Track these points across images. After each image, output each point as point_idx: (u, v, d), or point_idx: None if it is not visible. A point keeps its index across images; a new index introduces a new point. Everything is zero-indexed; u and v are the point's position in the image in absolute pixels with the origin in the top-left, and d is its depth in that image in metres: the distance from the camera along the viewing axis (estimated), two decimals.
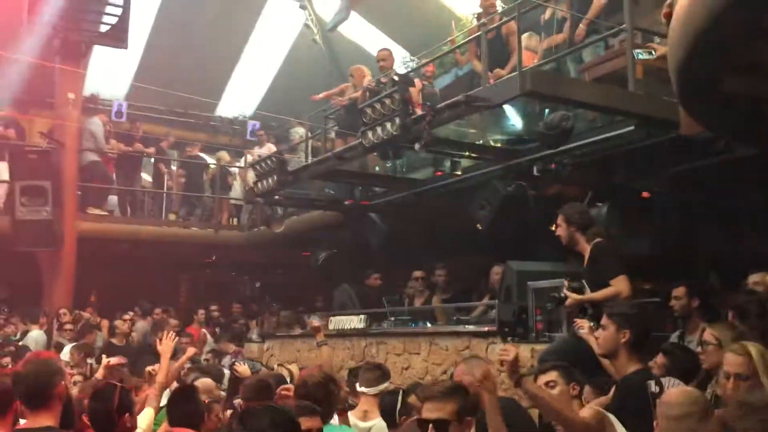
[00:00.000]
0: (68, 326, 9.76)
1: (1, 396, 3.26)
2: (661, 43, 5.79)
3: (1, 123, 11.29)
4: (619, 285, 4.67)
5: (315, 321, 6.47)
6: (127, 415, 3.30)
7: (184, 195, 13.34)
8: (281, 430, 1.94)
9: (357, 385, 4.48)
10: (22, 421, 3.19)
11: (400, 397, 4.16)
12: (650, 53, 5.65)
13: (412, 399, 4.07)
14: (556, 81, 6.30)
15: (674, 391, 2.68)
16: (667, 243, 6.87)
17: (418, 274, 8.61)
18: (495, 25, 7.53)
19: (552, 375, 3.51)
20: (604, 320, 3.58)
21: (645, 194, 7.15)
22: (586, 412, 3.12)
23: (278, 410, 2.05)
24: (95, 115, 12.08)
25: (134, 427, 3.46)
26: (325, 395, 3.73)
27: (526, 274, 6.35)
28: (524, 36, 7.11)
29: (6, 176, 11.01)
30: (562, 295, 4.83)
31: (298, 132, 12.37)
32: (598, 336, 3.81)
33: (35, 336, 9.41)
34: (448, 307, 7.99)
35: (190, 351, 5.37)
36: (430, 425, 2.72)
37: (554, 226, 5.24)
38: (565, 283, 4.86)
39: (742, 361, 2.99)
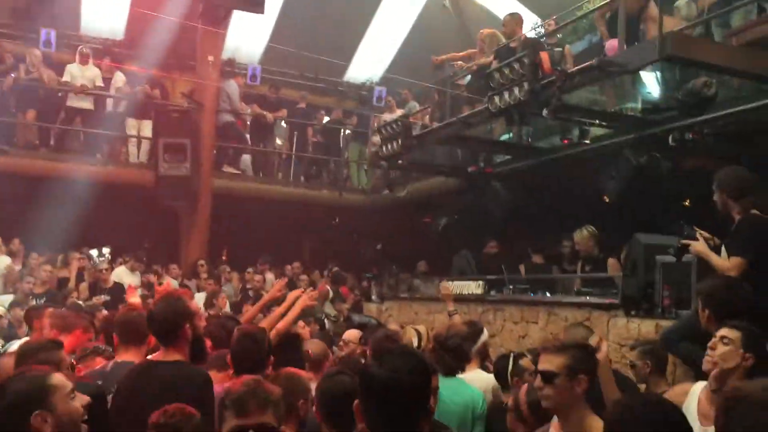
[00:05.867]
0: (204, 276, 10.47)
1: (135, 329, 3.70)
2: None
3: (148, 82, 12.04)
4: (733, 263, 4.32)
5: (449, 286, 6.46)
6: (271, 357, 3.54)
7: (315, 158, 13.78)
8: (416, 375, 1.95)
9: None
10: None
11: (511, 360, 4.18)
12: None
13: (525, 361, 4.14)
14: (698, 45, 5.94)
15: None
16: None
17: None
18: None
19: (734, 333, 3.10)
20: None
21: None
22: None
23: (415, 355, 2.06)
24: (232, 78, 12.65)
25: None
26: (461, 351, 4.25)
27: (653, 247, 6.08)
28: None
29: (149, 133, 11.77)
30: (684, 243, 4.56)
31: (414, 107, 12.37)
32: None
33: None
34: (568, 277, 7.82)
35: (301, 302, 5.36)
36: (538, 375, 2.77)
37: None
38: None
39: None
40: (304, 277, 10.70)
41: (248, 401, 2.23)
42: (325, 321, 8.37)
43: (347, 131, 13.66)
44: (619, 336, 5.92)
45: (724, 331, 3.10)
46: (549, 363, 2.76)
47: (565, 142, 8.07)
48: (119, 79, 11.87)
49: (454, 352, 4.31)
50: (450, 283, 7.68)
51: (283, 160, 13.81)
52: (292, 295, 4.84)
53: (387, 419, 1.91)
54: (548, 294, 7.52)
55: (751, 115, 6.01)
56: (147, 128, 11.83)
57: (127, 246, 10.62)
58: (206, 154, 11.85)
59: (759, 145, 6.48)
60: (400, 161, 9.58)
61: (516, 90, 6.49)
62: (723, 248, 4.64)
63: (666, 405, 1.99)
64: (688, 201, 8.21)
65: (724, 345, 3.05)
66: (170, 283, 9.61)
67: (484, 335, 4.90)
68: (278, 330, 4.70)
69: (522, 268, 8.62)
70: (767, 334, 3.74)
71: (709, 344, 3.10)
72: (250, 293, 10.09)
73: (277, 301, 5.11)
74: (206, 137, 11.83)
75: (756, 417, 1.65)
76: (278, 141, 14.00)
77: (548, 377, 2.74)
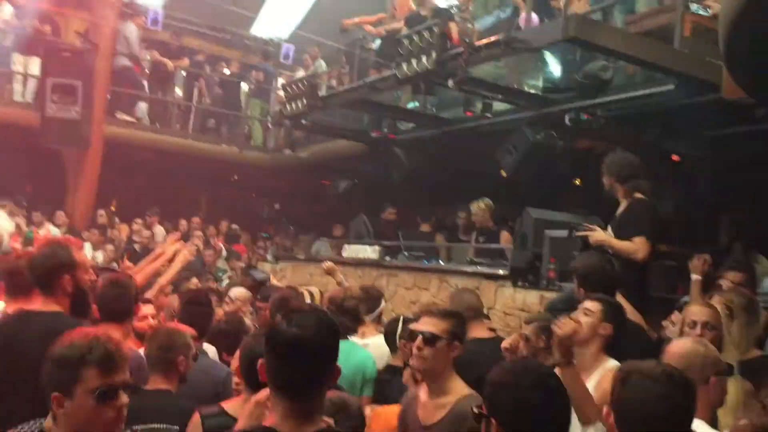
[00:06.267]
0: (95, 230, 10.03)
1: (15, 278, 3.45)
2: (717, 1, 5.62)
3: (38, 17, 11.23)
4: (639, 245, 4.54)
5: (326, 264, 6.33)
6: (139, 304, 3.42)
7: (214, 112, 13.38)
8: (326, 331, 1.93)
9: None
10: None
11: (401, 323, 4.27)
12: (706, 9, 5.47)
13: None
14: (600, 29, 6.11)
15: (679, 342, 2.73)
16: (692, 208, 6.80)
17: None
18: None
19: (596, 305, 3.31)
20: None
21: (675, 157, 7.05)
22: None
23: (324, 313, 2.03)
24: (131, 21, 12.00)
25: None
26: (356, 314, 4.37)
27: (543, 222, 6.32)
28: None
29: (37, 72, 11.03)
30: (586, 231, 4.74)
31: (322, 66, 12.23)
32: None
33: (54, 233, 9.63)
34: (461, 246, 8.04)
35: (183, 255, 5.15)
36: (419, 336, 2.81)
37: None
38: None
39: (708, 312, 3.24)
40: (198, 233, 10.44)
41: (115, 358, 2.05)
42: (221, 278, 8.26)
43: (250, 86, 13.31)
44: (505, 305, 6.16)
45: (587, 303, 3.33)
46: (433, 326, 2.82)
47: (468, 114, 8.19)
48: (6, 11, 11.02)
49: (350, 314, 4.35)
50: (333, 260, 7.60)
51: (182, 111, 13.32)
52: (171, 250, 4.75)
53: (293, 377, 1.89)
54: (441, 262, 7.70)
55: (641, 101, 6.30)
56: (35, 66, 11.06)
57: (7, 189, 10.00)
58: (99, 99, 11.20)
59: (647, 131, 6.83)
60: (304, 121, 9.45)
61: (424, 58, 6.51)
62: (609, 229, 4.89)
63: (546, 371, 2.07)
64: (578, 180, 8.58)
65: (586, 316, 3.26)
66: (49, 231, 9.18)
67: (383, 302, 4.95)
68: (161, 286, 4.61)
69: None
70: (644, 306, 4.03)
71: (572, 315, 3.29)
72: (137, 247, 9.73)
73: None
74: (100, 81, 11.17)
75: (646, 387, 1.98)
76: (177, 91, 13.48)
77: (430, 340, 2.79)
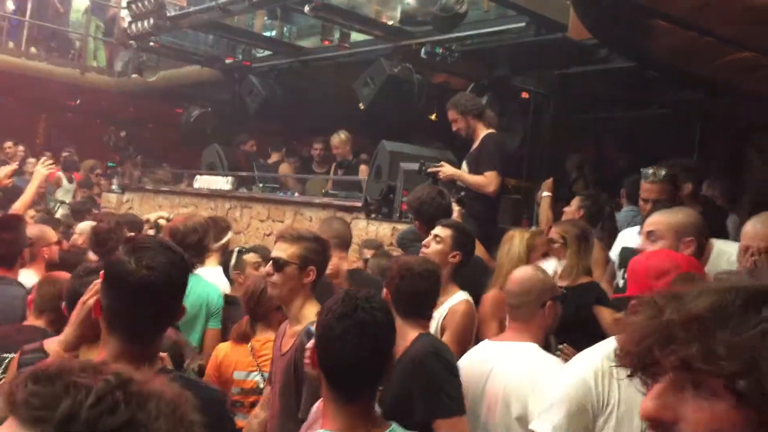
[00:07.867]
0: None
1: None
2: None
3: None
4: (490, 179, 4.75)
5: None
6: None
7: (51, 29, 12.20)
8: (178, 270, 1.79)
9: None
10: None
11: (234, 254, 4.20)
12: None
13: (249, 256, 4.20)
14: None
15: (520, 270, 2.86)
16: (538, 144, 7.10)
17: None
18: None
19: (446, 231, 3.37)
20: None
21: (524, 94, 7.28)
22: None
23: (174, 249, 1.86)
24: None
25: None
26: (200, 248, 4.16)
27: (398, 155, 6.36)
28: None
29: None
30: (436, 167, 4.84)
31: None
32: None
33: None
34: (319, 178, 7.97)
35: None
36: (270, 262, 2.79)
37: (451, 122, 5.14)
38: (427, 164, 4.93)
39: None
40: (32, 160, 9.60)
41: None
42: (57, 209, 7.70)
43: (89, 2, 12.25)
44: (359, 237, 6.18)
45: (437, 230, 3.39)
46: (283, 251, 2.76)
47: (326, 43, 7.98)
48: None
49: (194, 248, 4.17)
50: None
51: (15, 26, 12.06)
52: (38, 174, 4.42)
53: (137, 320, 1.75)
54: (296, 194, 7.60)
55: (495, 37, 6.40)
56: None
57: None
58: None
59: (499, 67, 6.97)
60: (151, 43, 8.84)
61: None
62: (464, 164, 5.02)
63: (360, 302, 1.94)
64: (434, 115, 8.68)
65: (437, 243, 3.33)
66: None
67: (230, 233, 4.85)
68: (16, 210, 4.29)
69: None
70: (493, 237, 4.20)
71: (423, 242, 3.37)
72: None
73: None
74: None
75: (416, 282, 2.63)
76: (9, 4, 12.15)
77: (280, 265, 2.74)
